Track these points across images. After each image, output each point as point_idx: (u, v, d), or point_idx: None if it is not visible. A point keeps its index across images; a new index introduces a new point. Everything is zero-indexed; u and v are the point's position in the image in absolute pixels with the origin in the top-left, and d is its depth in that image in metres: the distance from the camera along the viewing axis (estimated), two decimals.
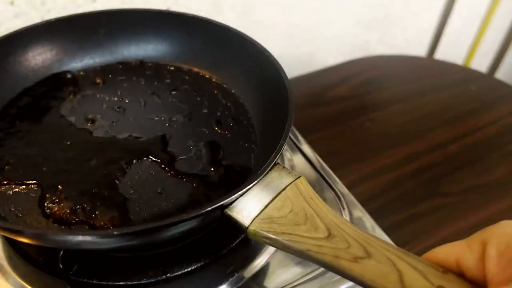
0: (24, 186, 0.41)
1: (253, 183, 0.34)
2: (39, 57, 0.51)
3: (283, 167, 0.36)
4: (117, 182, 0.41)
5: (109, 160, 0.43)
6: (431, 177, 0.63)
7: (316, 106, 0.75)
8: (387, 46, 1.03)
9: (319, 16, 0.89)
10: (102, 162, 0.43)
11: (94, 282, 0.38)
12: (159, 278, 0.38)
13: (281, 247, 0.32)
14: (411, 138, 0.69)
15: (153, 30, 0.54)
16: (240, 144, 0.46)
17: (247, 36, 0.49)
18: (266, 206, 0.33)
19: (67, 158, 0.43)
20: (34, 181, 0.41)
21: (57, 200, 0.39)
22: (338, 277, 0.40)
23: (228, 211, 0.33)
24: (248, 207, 0.33)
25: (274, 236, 0.32)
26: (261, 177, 0.34)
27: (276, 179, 0.35)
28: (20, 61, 0.49)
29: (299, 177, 0.35)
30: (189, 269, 0.39)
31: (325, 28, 0.92)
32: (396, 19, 0.99)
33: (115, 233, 0.30)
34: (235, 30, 0.50)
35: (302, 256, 0.32)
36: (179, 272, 0.39)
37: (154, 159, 0.44)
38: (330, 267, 0.31)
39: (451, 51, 1.11)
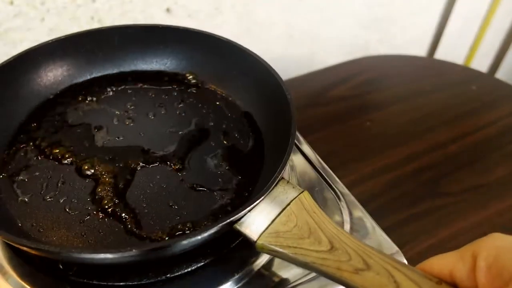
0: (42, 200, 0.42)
1: (260, 199, 0.36)
2: (51, 73, 0.52)
3: (288, 181, 0.38)
4: (128, 194, 0.43)
5: (117, 171, 0.44)
6: (431, 177, 0.63)
7: (316, 106, 0.75)
8: (387, 46, 1.03)
9: (319, 16, 0.89)
10: (110, 174, 0.44)
11: (94, 282, 0.38)
12: (159, 278, 0.38)
13: (287, 259, 0.34)
14: (411, 138, 0.69)
15: (158, 45, 0.55)
16: (245, 155, 0.47)
17: (249, 50, 0.51)
18: (272, 221, 0.35)
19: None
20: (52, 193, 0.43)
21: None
22: None
23: (237, 226, 0.35)
24: (256, 222, 0.35)
25: (280, 250, 0.34)
26: (267, 192, 0.36)
27: (281, 193, 0.37)
28: (33, 78, 0.51)
29: (303, 191, 0.37)
30: (189, 269, 0.39)
31: (325, 28, 0.92)
32: (396, 19, 0.99)
33: (132, 252, 0.32)
34: (237, 44, 0.52)
35: (307, 268, 0.34)
36: (179, 273, 0.39)
37: (164, 171, 0.45)
38: (333, 278, 0.32)
39: (451, 51, 1.11)
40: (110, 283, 0.38)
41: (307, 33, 0.91)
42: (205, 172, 0.45)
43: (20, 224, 0.40)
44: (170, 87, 0.55)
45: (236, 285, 0.39)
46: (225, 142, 0.48)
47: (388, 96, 0.78)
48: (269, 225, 0.35)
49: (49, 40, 0.51)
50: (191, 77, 0.55)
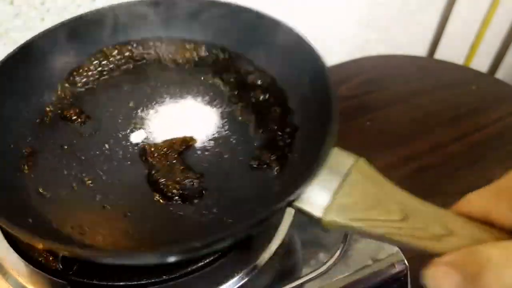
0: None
1: (316, 171, 0.32)
2: (58, 61, 0.49)
3: (340, 149, 0.34)
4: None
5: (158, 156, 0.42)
6: (431, 177, 0.63)
7: None
8: (387, 46, 1.03)
9: (320, 16, 0.89)
10: (156, 157, 0.42)
11: (94, 282, 0.38)
12: (159, 278, 0.38)
13: (359, 232, 0.31)
14: (411, 138, 0.69)
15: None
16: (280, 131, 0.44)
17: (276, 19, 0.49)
18: (335, 193, 0.31)
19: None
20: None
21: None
22: (338, 277, 0.40)
23: (297, 203, 0.32)
24: (317, 197, 0.31)
25: (350, 224, 0.30)
26: (322, 163, 0.32)
27: (336, 162, 0.33)
28: (44, 68, 0.47)
29: (359, 157, 0.34)
30: (189, 269, 0.39)
31: (326, 28, 0.92)
32: (396, 19, 0.99)
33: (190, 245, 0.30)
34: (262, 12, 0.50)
35: (383, 240, 0.31)
36: (179, 273, 0.39)
37: (206, 154, 0.42)
38: (412, 248, 0.29)
39: (451, 51, 1.11)
40: (110, 283, 0.38)
41: (307, 33, 0.91)
42: (247, 147, 0.42)
43: (59, 228, 0.38)
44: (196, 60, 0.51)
45: (236, 285, 0.39)
46: (257, 118, 0.45)
47: (388, 96, 0.78)
48: (332, 198, 0.31)
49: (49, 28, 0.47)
50: (216, 49, 0.52)
